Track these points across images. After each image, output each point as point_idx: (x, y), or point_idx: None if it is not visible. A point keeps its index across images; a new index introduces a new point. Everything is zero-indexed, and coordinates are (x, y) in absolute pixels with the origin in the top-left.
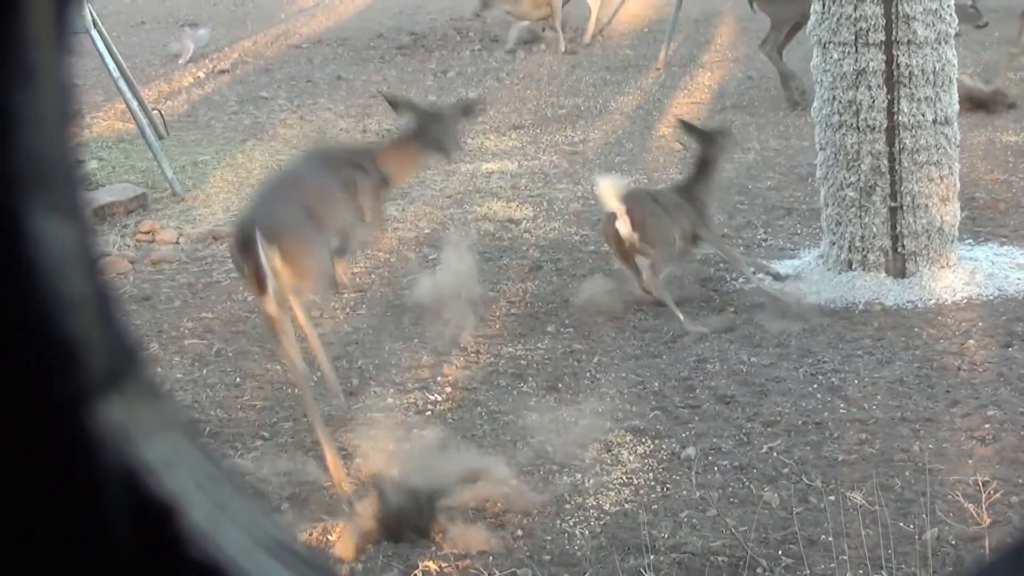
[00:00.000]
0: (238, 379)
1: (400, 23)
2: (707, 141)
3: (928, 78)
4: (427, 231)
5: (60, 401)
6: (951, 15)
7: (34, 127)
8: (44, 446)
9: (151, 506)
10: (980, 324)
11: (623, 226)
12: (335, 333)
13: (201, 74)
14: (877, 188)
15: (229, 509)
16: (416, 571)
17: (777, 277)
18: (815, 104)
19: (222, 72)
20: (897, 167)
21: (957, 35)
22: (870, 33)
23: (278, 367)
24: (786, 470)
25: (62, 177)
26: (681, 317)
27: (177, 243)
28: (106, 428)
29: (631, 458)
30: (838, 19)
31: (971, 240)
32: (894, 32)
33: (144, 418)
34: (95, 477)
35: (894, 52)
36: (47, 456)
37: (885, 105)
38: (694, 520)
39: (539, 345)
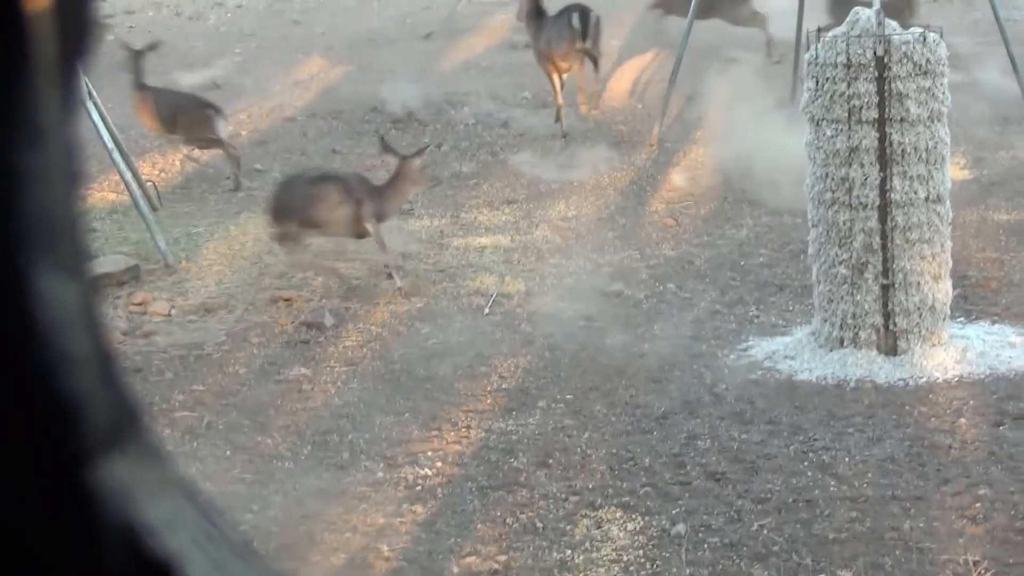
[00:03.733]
0: (228, 452)
1: (395, 96)
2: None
3: (921, 156)
4: (419, 305)
5: (61, 460)
6: (944, 93)
7: (41, 187)
8: (45, 505)
9: (151, 566)
10: (971, 403)
11: None
12: (326, 407)
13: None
14: (869, 265)
15: (229, 570)
16: None
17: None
18: (807, 181)
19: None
20: (889, 244)
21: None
22: (863, 110)
23: (268, 440)
24: (776, 548)
25: (67, 237)
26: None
27: (169, 315)
28: (107, 487)
29: (621, 534)
30: (831, 96)
31: (963, 318)
32: (887, 110)
33: (145, 478)
34: (95, 536)
35: (887, 130)
36: (47, 515)
37: (878, 182)
38: None
39: (530, 420)
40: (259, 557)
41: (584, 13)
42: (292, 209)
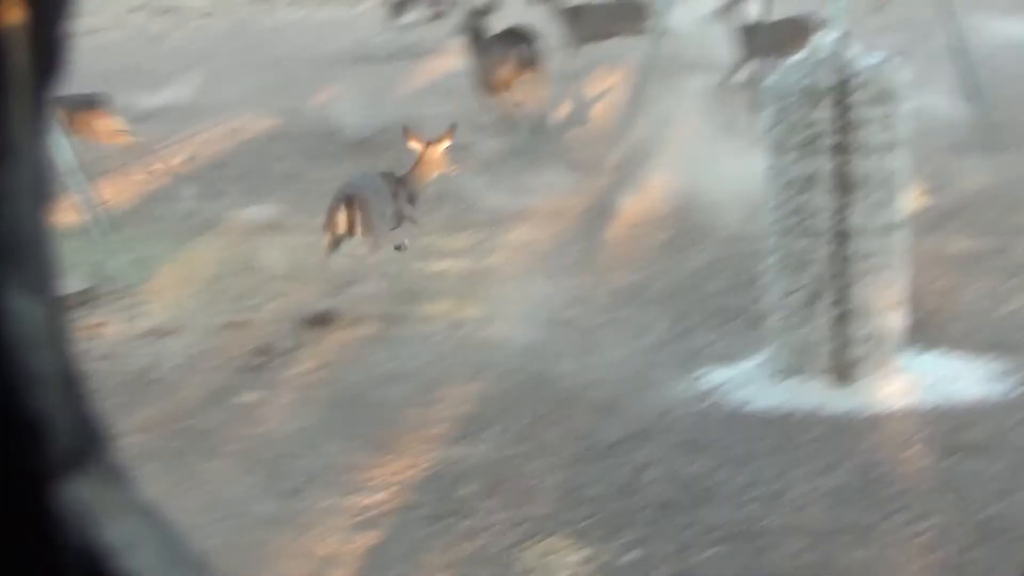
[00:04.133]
0: (179, 476)
1: (354, 121)
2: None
3: (878, 184)
4: (373, 330)
5: (24, 479)
6: (903, 121)
7: (11, 206)
8: (6, 524)
9: None
10: (922, 433)
11: None
12: (277, 432)
13: (153, 168)
14: (824, 294)
15: None
16: None
17: None
18: (765, 208)
19: (175, 166)
20: (845, 273)
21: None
22: (822, 138)
23: (219, 465)
24: None
25: (35, 255)
26: None
27: (122, 338)
28: (69, 508)
29: (570, 563)
30: (790, 123)
31: (916, 348)
32: (846, 137)
33: (107, 499)
34: (57, 557)
35: (845, 157)
36: (8, 535)
37: (835, 210)
38: None
39: (480, 447)
40: None
41: (527, 39)
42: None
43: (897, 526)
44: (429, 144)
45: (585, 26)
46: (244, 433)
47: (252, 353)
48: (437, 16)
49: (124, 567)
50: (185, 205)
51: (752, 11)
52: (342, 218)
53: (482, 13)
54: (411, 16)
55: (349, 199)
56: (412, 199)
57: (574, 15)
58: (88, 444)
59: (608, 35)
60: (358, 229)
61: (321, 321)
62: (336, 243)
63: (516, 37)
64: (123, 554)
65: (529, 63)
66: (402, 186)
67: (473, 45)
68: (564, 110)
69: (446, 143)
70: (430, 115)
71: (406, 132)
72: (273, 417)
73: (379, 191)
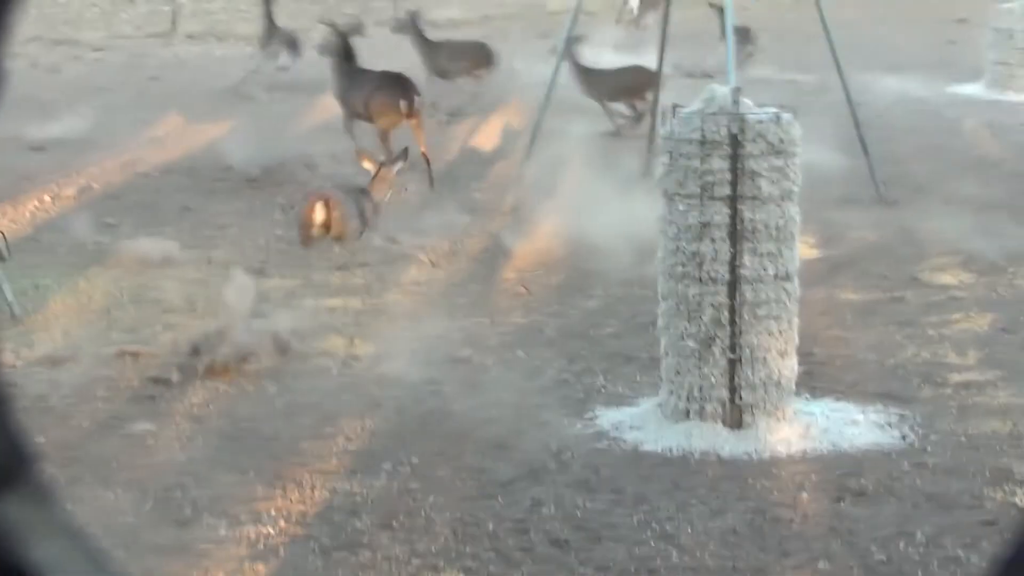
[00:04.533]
0: (70, 506)
1: (250, 156)
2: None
3: (771, 233)
4: (267, 364)
5: None
6: (796, 172)
7: None
8: None
9: None
10: (813, 477)
11: None
12: (170, 463)
13: (47, 198)
14: (717, 339)
15: None
16: None
17: None
18: (659, 254)
19: (69, 197)
20: (737, 320)
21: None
22: (716, 187)
23: (111, 495)
24: None
25: None
26: None
27: (14, 367)
28: None
29: None
30: (685, 172)
31: (808, 395)
32: (740, 187)
33: (35, 520)
34: None
35: (739, 207)
36: None
37: (728, 258)
38: None
39: (375, 482)
40: None
41: (408, 88)
42: None
43: (789, 568)
44: (383, 164)
45: (441, 61)
46: (137, 462)
47: (145, 383)
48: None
49: None
50: (78, 236)
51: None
52: (319, 217)
53: (346, 34)
54: (283, 57)
55: (325, 200)
56: (376, 209)
57: (434, 49)
58: (16, 464)
59: (459, 73)
60: (333, 228)
61: (214, 354)
62: (309, 240)
63: (398, 84)
64: (51, 572)
65: (410, 112)
66: (366, 197)
67: (341, 64)
68: (453, 150)
69: (399, 164)
70: (326, 152)
71: (360, 154)
72: (166, 447)
73: (348, 198)
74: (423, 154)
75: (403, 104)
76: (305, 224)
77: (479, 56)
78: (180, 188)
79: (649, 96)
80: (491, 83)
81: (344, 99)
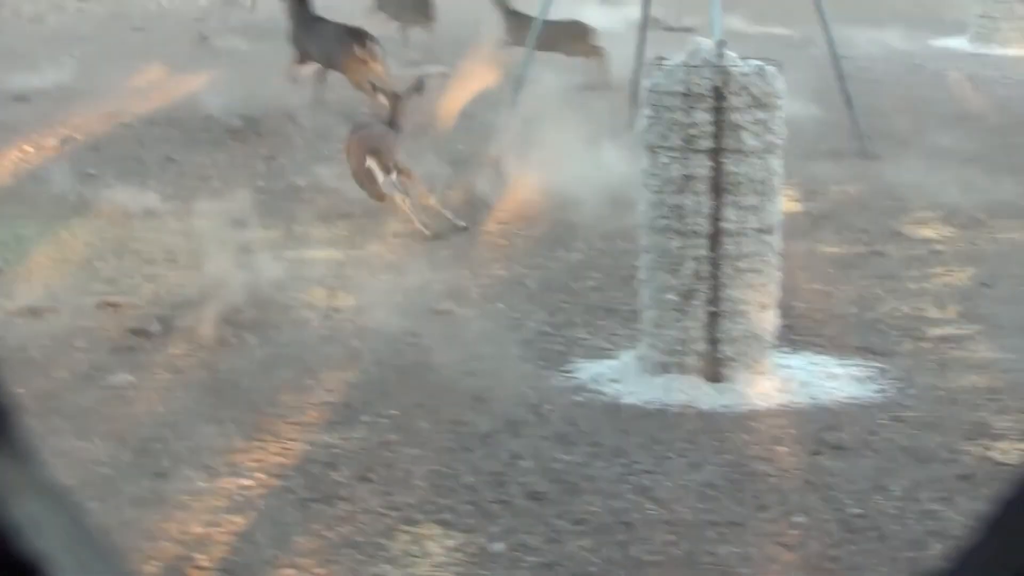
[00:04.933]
0: (48, 456)
1: (232, 107)
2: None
3: (753, 186)
4: (248, 316)
5: None
6: (779, 126)
7: None
8: None
9: (17, 566)
10: (792, 431)
11: None
12: (149, 414)
13: (29, 148)
14: (698, 293)
15: (95, 572)
16: None
17: None
18: (641, 207)
19: (51, 148)
20: (718, 273)
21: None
22: (699, 140)
23: (89, 446)
24: (593, 569)
25: None
26: None
27: None
28: None
29: (439, 551)
30: (668, 125)
31: (788, 348)
32: (723, 140)
33: (15, 478)
34: None
35: (721, 160)
36: None
37: (710, 211)
38: None
39: (353, 434)
40: (125, 562)
41: (364, 36)
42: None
43: (765, 522)
44: (398, 97)
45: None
46: (117, 413)
47: (125, 335)
48: None
49: (30, 546)
50: (60, 187)
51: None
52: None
53: None
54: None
55: (371, 150)
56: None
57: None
58: None
59: (406, 21)
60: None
61: (195, 305)
62: (380, 194)
63: (357, 36)
64: (29, 533)
65: (371, 58)
66: (395, 131)
67: (297, 10)
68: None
69: (415, 95)
70: (303, 102)
71: (373, 88)
72: (145, 399)
73: (384, 136)
74: (389, 98)
75: (357, 49)
76: (367, 180)
77: (420, 7)
78: (162, 139)
79: (581, 52)
80: (437, 34)
81: (298, 46)
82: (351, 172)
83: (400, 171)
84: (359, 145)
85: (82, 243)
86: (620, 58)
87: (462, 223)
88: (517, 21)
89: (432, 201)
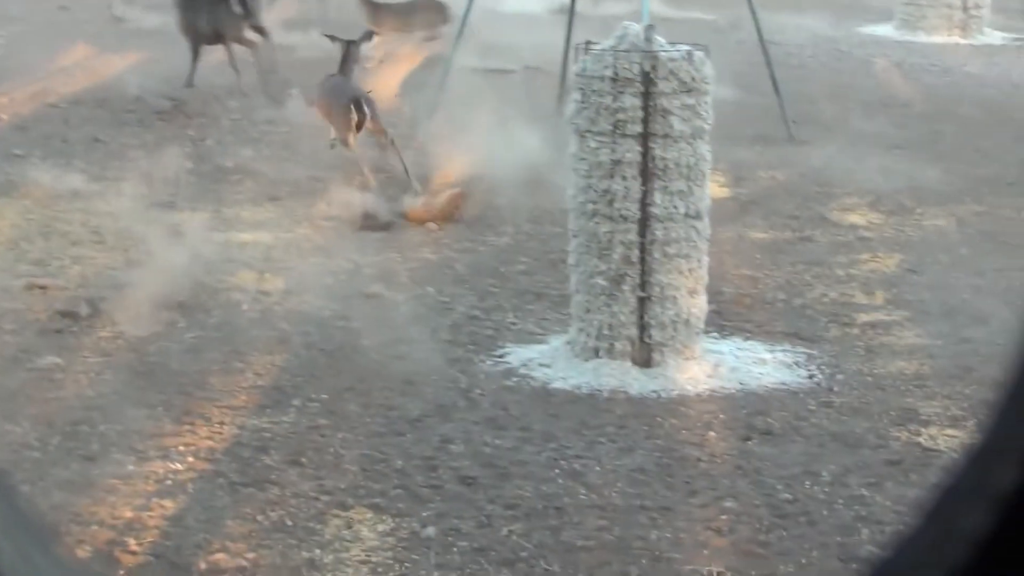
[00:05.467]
0: None
1: (160, 88)
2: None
3: (682, 172)
4: (177, 298)
5: None
6: (707, 111)
7: None
8: None
9: None
10: (721, 417)
11: None
12: (77, 397)
13: None
14: (627, 277)
15: (34, 560)
16: None
17: None
18: (570, 191)
19: None
20: (648, 258)
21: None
22: (628, 125)
23: (17, 429)
24: (524, 554)
25: None
26: None
27: None
28: None
29: (371, 535)
30: (597, 109)
31: (717, 334)
32: (651, 125)
33: None
34: None
35: (650, 144)
36: None
37: (639, 196)
38: None
39: (284, 418)
40: (63, 548)
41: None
42: None
43: (695, 507)
44: (351, 43)
45: None
46: (43, 397)
47: (53, 317)
48: None
49: None
50: None
51: None
52: (355, 118)
53: None
54: None
55: (357, 100)
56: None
57: None
58: None
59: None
60: (373, 124)
61: (124, 288)
62: (353, 144)
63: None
64: None
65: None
66: (345, 75)
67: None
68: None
69: (367, 42)
70: (228, 83)
71: (332, 38)
72: (73, 382)
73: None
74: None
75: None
76: (346, 127)
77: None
78: (89, 119)
79: (436, 31)
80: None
81: (187, 29)
82: (321, 114)
83: (374, 124)
84: (339, 91)
85: (8, 224)
86: (544, 43)
87: (417, 185)
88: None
89: (394, 154)
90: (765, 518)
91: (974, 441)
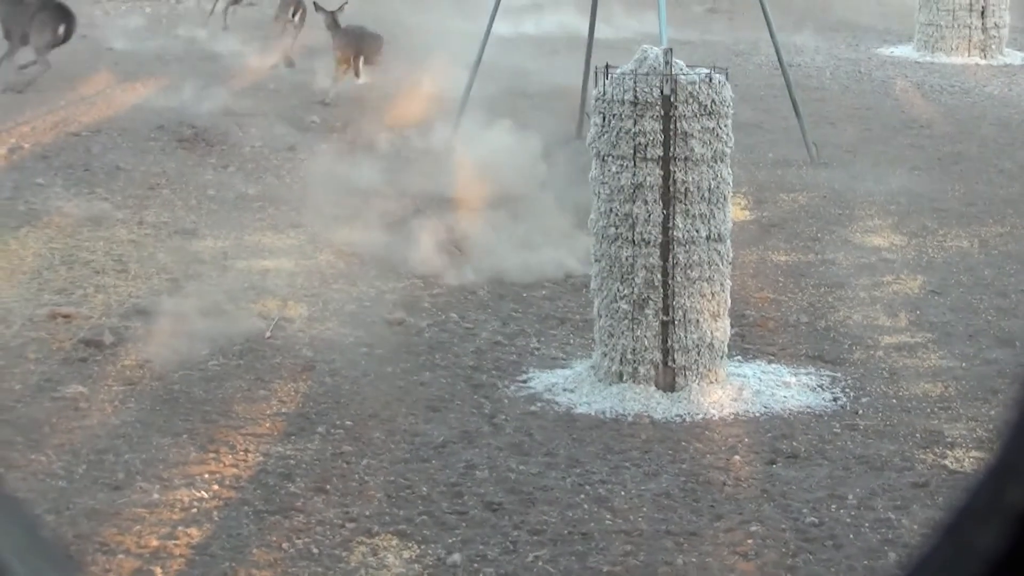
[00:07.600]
0: (2, 470)
1: (182, 116)
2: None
3: (703, 195)
4: (200, 326)
5: None
6: (728, 134)
7: None
8: None
9: None
10: (746, 440)
11: None
12: (102, 426)
13: None
14: (650, 301)
15: None
16: None
17: None
18: (591, 216)
19: None
20: (670, 282)
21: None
22: (648, 148)
23: (42, 458)
24: None
25: None
26: None
27: None
28: None
29: (397, 562)
30: (617, 133)
31: (740, 357)
32: (672, 148)
33: None
34: None
35: (671, 168)
36: None
37: (661, 220)
38: None
39: (309, 445)
40: (80, 571)
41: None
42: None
43: (721, 531)
44: (334, 12)
45: None
46: (68, 426)
47: (76, 346)
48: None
49: None
50: (8, 196)
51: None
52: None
53: None
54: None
55: (358, 40)
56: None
57: None
58: None
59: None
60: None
61: (147, 316)
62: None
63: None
64: None
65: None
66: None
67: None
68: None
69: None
70: (258, 113)
71: (316, 7)
72: (98, 410)
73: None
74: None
75: (61, 29)
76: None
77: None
78: (111, 147)
79: (375, 61)
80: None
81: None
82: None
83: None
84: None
85: (32, 253)
86: (559, 68)
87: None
88: (336, 29)
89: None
90: (791, 542)
91: (988, 459)
